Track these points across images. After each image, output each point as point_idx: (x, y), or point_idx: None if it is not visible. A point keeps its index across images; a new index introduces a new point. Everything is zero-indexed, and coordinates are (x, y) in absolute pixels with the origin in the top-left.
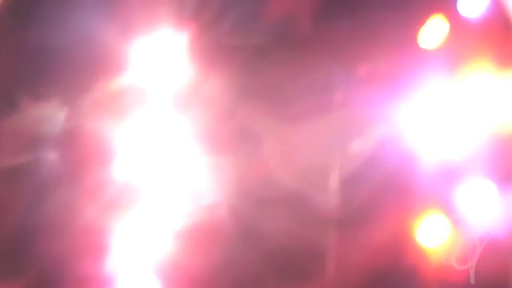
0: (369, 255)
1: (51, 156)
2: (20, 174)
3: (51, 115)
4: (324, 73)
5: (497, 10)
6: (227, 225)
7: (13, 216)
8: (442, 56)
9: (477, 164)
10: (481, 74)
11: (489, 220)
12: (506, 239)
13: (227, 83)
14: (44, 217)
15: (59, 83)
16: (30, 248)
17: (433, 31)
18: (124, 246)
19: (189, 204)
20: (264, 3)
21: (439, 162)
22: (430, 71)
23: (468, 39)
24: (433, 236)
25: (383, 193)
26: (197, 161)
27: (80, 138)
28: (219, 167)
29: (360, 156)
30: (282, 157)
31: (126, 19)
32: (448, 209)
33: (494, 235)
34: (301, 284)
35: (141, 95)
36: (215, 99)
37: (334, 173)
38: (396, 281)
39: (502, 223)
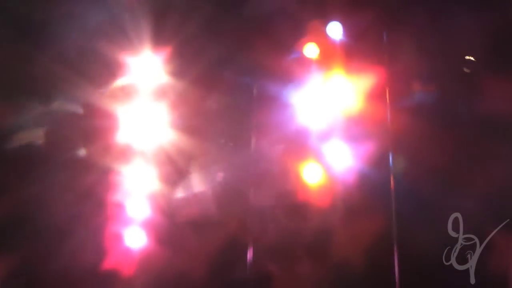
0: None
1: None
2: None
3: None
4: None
5: (352, 36)
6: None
7: None
8: (318, 63)
9: (336, 131)
10: (340, 76)
11: (342, 166)
12: (352, 180)
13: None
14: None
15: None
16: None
17: (312, 47)
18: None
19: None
20: None
21: (316, 129)
22: (310, 72)
23: (334, 53)
24: (312, 176)
25: (284, 149)
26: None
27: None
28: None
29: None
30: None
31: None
32: (320, 158)
33: (345, 175)
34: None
35: (134, 91)
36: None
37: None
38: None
39: (350, 168)
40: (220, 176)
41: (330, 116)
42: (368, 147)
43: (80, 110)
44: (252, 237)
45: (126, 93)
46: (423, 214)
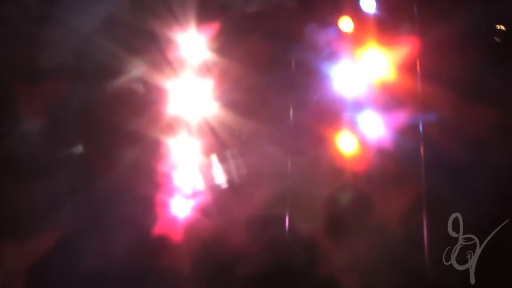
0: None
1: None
2: None
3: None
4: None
5: (384, 9)
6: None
7: None
8: (353, 36)
9: (370, 101)
10: (374, 48)
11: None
12: (384, 149)
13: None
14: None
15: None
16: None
17: (347, 21)
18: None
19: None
20: None
21: (351, 99)
22: (346, 45)
23: (367, 27)
24: (346, 145)
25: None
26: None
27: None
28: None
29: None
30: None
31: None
32: (354, 129)
33: (379, 144)
34: None
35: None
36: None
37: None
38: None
39: (383, 137)
40: (260, 147)
41: (364, 87)
42: (400, 117)
43: (131, 85)
44: (290, 205)
45: (173, 68)
46: (452, 180)
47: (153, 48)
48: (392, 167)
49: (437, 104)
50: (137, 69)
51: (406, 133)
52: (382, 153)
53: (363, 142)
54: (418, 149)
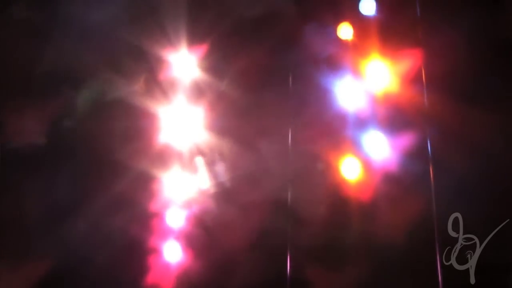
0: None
1: None
2: None
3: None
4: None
5: (385, 12)
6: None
7: None
8: (353, 44)
9: (373, 118)
10: (375, 57)
11: (382, 158)
12: (391, 173)
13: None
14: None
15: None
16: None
17: (346, 28)
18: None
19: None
20: None
21: (352, 117)
22: (346, 54)
23: (368, 32)
24: (350, 171)
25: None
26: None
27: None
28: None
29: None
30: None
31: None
32: (357, 151)
33: (385, 168)
34: None
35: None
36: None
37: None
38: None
39: (389, 160)
40: (257, 174)
41: (366, 101)
42: (406, 135)
43: (116, 109)
44: (291, 238)
45: (163, 90)
46: (464, 206)
47: (141, 67)
48: (399, 193)
49: (445, 118)
50: (126, 89)
51: (413, 154)
52: (388, 178)
53: (367, 166)
54: (427, 171)
